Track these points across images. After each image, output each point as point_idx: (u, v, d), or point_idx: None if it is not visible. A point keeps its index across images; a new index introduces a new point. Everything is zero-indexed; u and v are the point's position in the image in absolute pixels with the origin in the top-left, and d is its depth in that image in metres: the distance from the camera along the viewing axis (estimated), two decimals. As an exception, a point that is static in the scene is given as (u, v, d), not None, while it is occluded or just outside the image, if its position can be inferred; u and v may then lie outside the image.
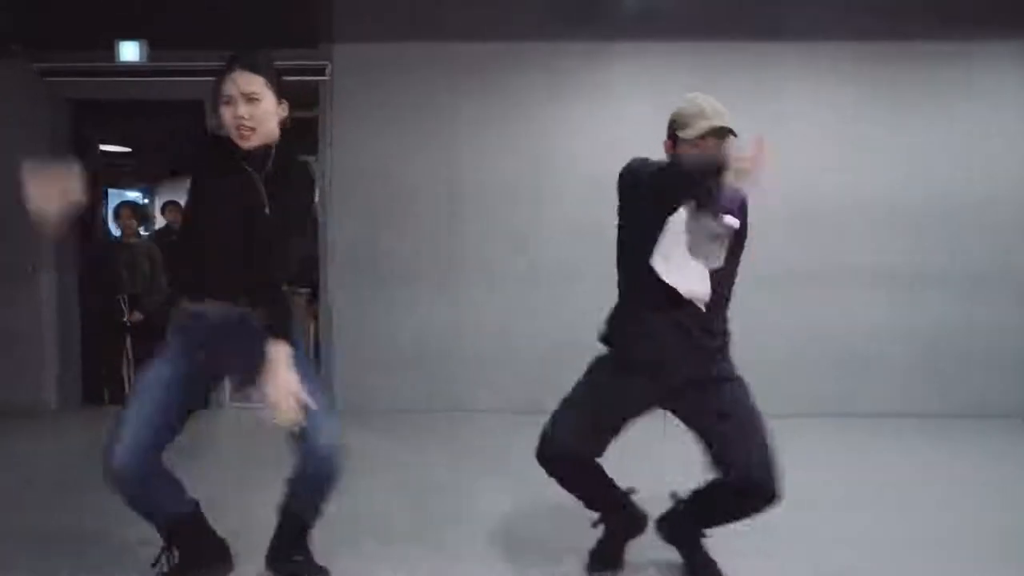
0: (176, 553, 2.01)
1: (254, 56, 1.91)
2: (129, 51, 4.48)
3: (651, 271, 1.98)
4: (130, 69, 4.51)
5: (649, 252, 2.00)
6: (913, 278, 4.52)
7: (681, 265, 1.98)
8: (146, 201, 8.21)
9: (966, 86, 4.53)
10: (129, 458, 1.80)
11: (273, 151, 1.92)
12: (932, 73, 4.53)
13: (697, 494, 2.09)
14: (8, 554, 2.35)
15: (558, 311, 4.49)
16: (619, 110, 4.55)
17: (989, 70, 4.54)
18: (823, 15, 4.38)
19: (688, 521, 2.13)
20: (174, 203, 6.01)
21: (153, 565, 2.02)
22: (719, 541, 2.15)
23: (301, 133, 4.85)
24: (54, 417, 4.50)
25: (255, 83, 1.86)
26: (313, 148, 4.67)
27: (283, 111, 1.94)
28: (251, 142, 1.87)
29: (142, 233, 5.29)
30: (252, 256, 1.87)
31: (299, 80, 4.53)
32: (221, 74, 1.90)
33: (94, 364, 4.77)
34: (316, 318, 5.87)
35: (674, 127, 2.06)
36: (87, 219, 4.76)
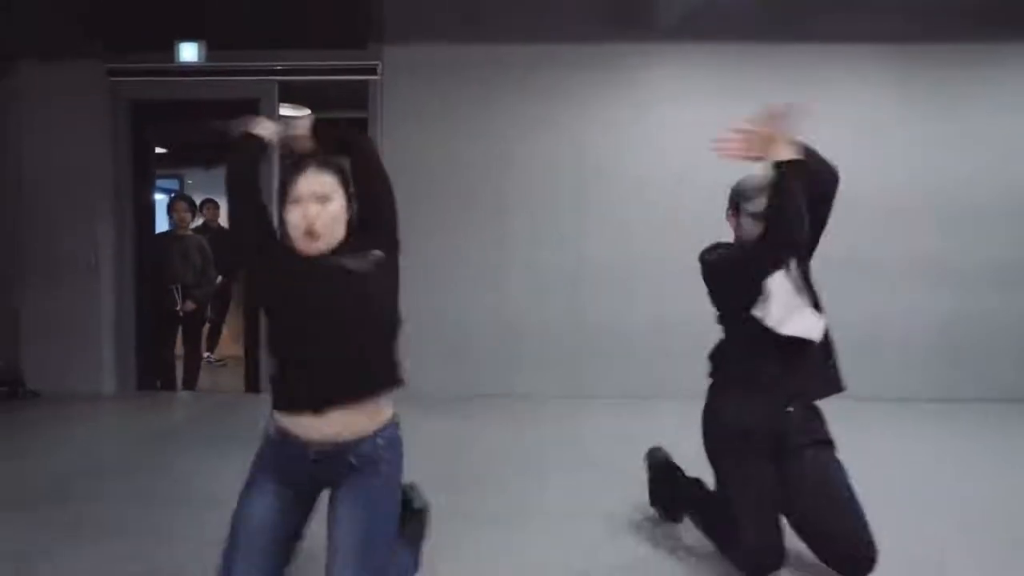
0: None
1: (326, 156, 1.78)
2: (188, 52, 4.68)
3: (764, 329, 2.03)
4: (189, 69, 4.70)
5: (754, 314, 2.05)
6: (940, 267, 4.61)
7: (794, 313, 2.05)
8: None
9: (994, 85, 4.61)
10: None
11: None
12: (960, 73, 4.61)
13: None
14: (71, 529, 2.49)
15: (600, 305, 4.59)
16: (659, 110, 4.67)
17: (1014, 70, 4.62)
18: (857, 19, 4.50)
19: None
20: (212, 201, 6.22)
21: None
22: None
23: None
24: (111, 402, 4.68)
25: (327, 184, 1.70)
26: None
27: (352, 209, 1.77)
28: (317, 247, 1.67)
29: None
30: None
31: (351, 79, 4.73)
32: (290, 172, 1.74)
33: (148, 352, 4.95)
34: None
35: (737, 199, 2.15)
36: (142, 213, 5.00)
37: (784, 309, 2.05)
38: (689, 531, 2.32)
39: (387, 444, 1.72)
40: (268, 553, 1.63)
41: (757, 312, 2.04)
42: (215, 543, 1.68)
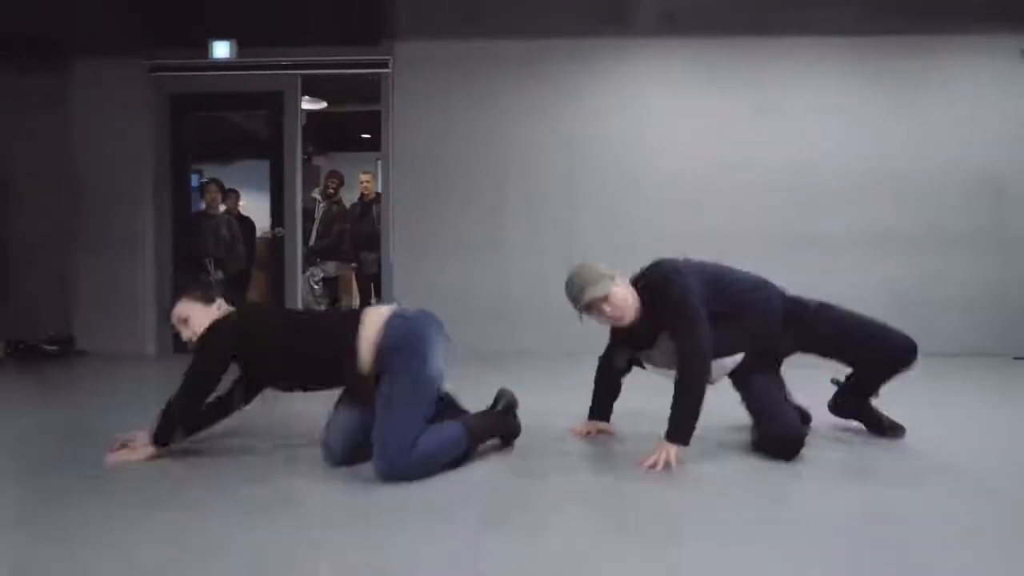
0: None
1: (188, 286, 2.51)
2: (221, 49, 5.25)
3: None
4: (221, 65, 5.27)
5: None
6: (896, 238, 5.12)
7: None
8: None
9: (940, 73, 5.14)
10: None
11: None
12: (911, 63, 5.13)
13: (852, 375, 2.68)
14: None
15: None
16: (642, 99, 5.19)
17: (966, 60, 5.14)
18: (816, 14, 4.99)
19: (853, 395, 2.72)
20: (233, 191, 6.75)
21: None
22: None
23: (367, 122, 5.58)
24: (148, 363, 5.24)
25: (183, 312, 2.40)
26: (377, 134, 5.38)
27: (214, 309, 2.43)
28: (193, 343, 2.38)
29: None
30: None
31: (364, 73, 5.28)
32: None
33: (184, 319, 5.51)
34: (362, 285, 6.67)
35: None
36: (179, 194, 5.56)
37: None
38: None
39: (392, 349, 2.22)
40: (347, 432, 2.30)
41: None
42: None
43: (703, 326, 2.32)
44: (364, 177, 6.87)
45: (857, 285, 5.09)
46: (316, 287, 6.74)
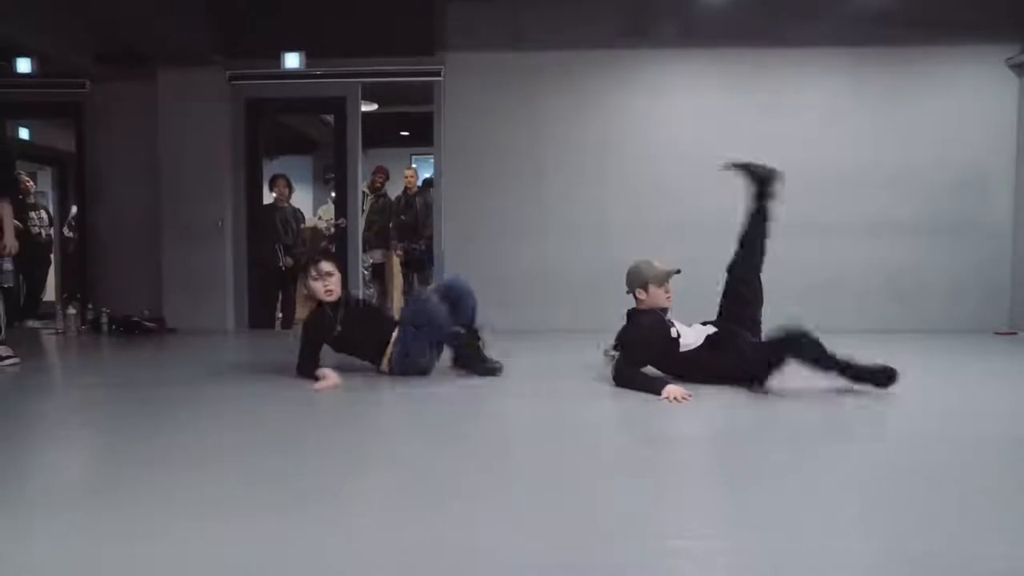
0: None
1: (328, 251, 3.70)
2: (291, 60, 5.92)
3: None
4: (292, 74, 5.95)
5: None
6: (889, 225, 5.78)
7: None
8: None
9: (930, 80, 5.81)
10: None
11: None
12: (903, 70, 5.78)
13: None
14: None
15: (622, 256, 5.78)
16: (665, 102, 5.86)
17: (955, 69, 5.80)
18: (820, 26, 5.68)
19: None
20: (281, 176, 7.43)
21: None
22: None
23: (421, 123, 6.28)
24: (231, 336, 5.95)
25: (331, 266, 3.48)
26: (415, 132, 6.04)
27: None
28: (332, 298, 3.49)
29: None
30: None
31: (419, 80, 5.95)
32: (307, 264, 3.52)
33: (257, 298, 6.22)
34: (405, 272, 7.35)
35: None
36: (252, 188, 6.25)
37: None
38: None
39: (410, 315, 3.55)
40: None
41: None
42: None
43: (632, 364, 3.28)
44: (408, 172, 7.55)
45: (854, 266, 5.78)
46: (366, 272, 7.43)
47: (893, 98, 5.77)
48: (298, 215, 6.48)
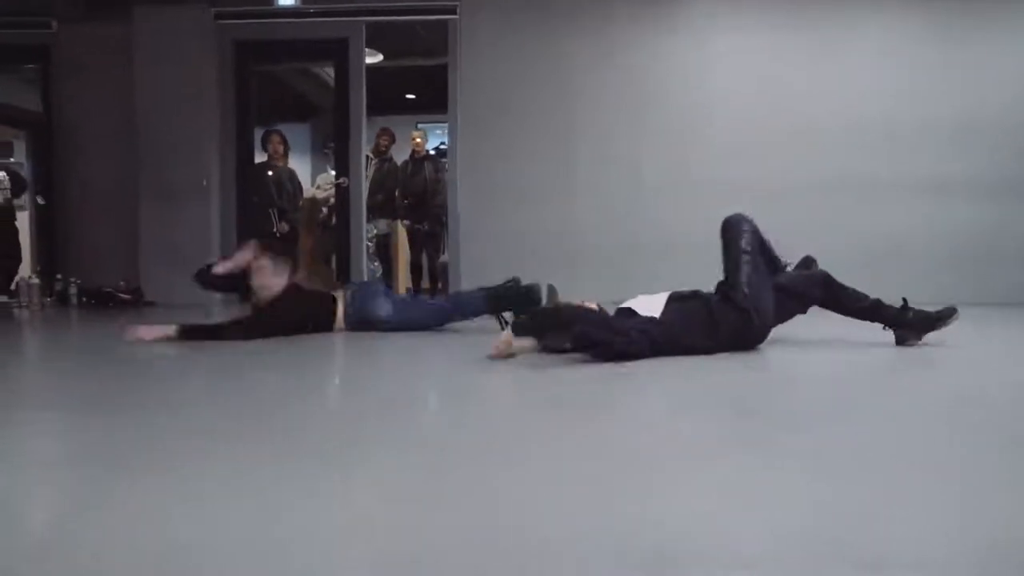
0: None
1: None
2: (286, -4, 5.21)
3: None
4: (286, 11, 5.22)
5: None
6: (954, 185, 5.03)
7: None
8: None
9: (1008, 11, 5.04)
10: None
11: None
12: (980, 3, 5.02)
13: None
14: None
15: (659, 218, 5.07)
16: (709, 45, 5.15)
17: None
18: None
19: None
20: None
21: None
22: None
23: (429, 83, 5.52)
24: (217, 309, 5.25)
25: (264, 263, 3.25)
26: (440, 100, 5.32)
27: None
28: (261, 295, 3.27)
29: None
30: None
31: (431, 20, 5.23)
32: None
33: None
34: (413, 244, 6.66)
35: None
36: (242, 144, 5.54)
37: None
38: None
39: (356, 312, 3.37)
40: None
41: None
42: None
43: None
44: (416, 135, 6.84)
45: (915, 231, 5.06)
46: (369, 245, 6.73)
47: (959, 36, 5.02)
48: (294, 175, 5.77)
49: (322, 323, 3.35)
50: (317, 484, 1.18)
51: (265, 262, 3.25)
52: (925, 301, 4.80)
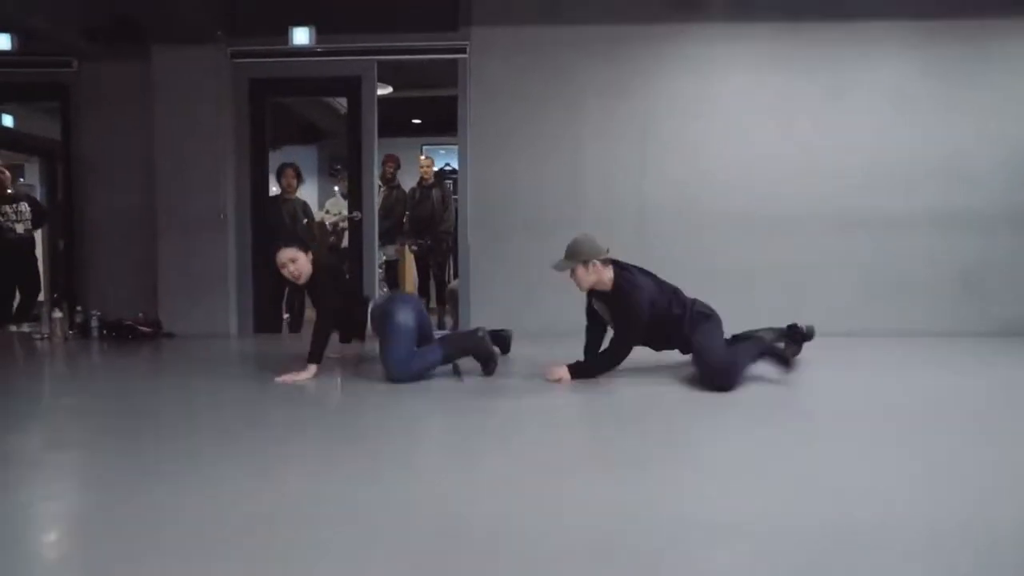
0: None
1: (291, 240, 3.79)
2: (300, 35, 5.34)
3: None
4: (301, 51, 5.37)
5: None
6: (963, 218, 5.19)
7: None
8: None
9: (1005, 57, 5.19)
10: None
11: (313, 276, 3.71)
12: (977, 45, 5.17)
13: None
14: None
15: (666, 250, 5.22)
16: (715, 84, 5.29)
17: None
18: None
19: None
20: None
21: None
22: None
23: (434, 109, 5.64)
24: (234, 341, 5.39)
25: (291, 254, 3.66)
26: (445, 123, 5.47)
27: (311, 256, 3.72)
28: (302, 281, 3.72)
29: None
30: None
31: (442, 59, 5.38)
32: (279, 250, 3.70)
33: (263, 298, 5.66)
34: (421, 270, 6.81)
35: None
36: (258, 178, 5.68)
37: None
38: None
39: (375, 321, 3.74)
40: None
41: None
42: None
43: (640, 331, 3.52)
44: (424, 162, 6.99)
45: (924, 263, 5.22)
46: (379, 270, 6.88)
47: (970, 77, 5.19)
48: (307, 207, 5.92)
49: (356, 322, 3.77)
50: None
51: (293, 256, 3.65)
52: (935, 331, 5.02)
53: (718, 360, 3.29)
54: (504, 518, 1.72)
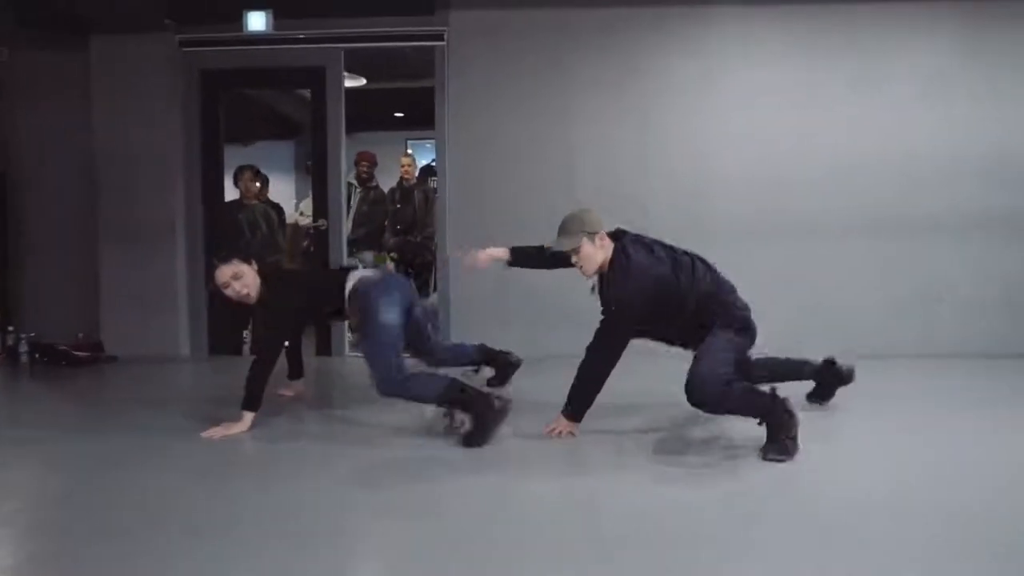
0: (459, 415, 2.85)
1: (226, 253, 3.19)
2: (256, 21, 4.73)
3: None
4: (257, 38, 4.76)
5: None
6: (997, 223, 4.59)
7: None
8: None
9: None
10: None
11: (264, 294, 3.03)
12: (1020, 26, 4.56)
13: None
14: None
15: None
16: (725, 72, 4.69)
17: None
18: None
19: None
20: (263, 177, 6.26)
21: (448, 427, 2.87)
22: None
23: (419, 101, 5.02)
24: (187, 365, 4.82)
25: (233, 269, 3.01)
26: (431, 116, 4.87)
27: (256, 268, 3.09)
28: (251, 300, 3.05)
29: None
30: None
31: (416, 46, 4.78)
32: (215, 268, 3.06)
33: (219, 317, 5.07)
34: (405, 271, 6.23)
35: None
36: (211, 181, 5.08)
37: None
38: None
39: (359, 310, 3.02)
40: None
41: None
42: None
43: (629, 326, 2.75)
44: (405, 160, 6.40)
45: (961, 274, 4.63)
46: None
47: (1016, 62, 4.57)
48: (269, 214, 5.32)
49: (333, 303, 3.12)
50: None
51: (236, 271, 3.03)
52: (973, 351, 4.44)
53: (709, 371, 2.58)
54: None
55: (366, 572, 1.85)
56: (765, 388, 2.61)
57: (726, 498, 2.22)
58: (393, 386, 2.84)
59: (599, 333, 2.77)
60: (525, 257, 3.12)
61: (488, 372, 3.59)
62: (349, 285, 3.07)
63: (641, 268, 2.71)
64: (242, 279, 2.99)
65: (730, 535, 1.91)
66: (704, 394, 2.57)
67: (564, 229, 2.81)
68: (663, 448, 2.76)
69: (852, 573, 1.66)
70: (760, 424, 2.55)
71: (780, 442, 2.49)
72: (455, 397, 2.81)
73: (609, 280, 2.76)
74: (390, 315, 2.94)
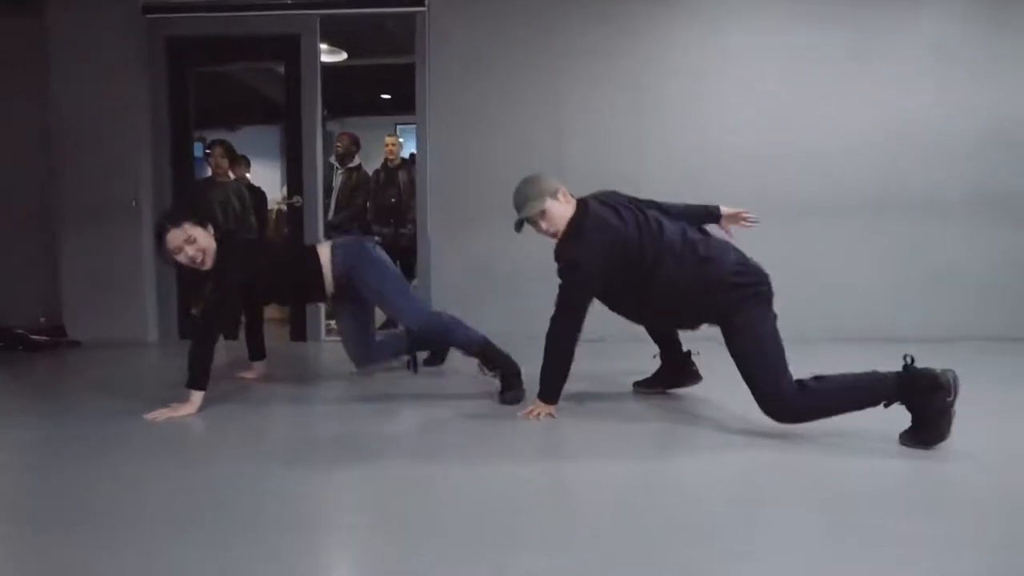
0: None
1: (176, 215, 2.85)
2: (225, -15, 4.48)
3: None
4: (227, 4, 4.50)
5: None
6: (1009, 199, 4.35)
7: None
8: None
9: None
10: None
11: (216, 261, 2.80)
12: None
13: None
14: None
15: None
16: (720, 39, 4.43)
17: None
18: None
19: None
20: (244, 158, 6.02)
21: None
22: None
23: (407, 81, 4.79)
24: (154, 350, 4.55)
25: (187, 232, 2.75)
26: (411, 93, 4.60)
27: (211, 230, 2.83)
28: (207, 266, 2.80)
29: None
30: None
31: (395, 13, 4.51)
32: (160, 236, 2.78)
33: (189, 300, 4.82)
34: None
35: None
36: (180, 157, 4.82)
37: None
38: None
39: (349, 270, 2.97)
40: (356, 338, 3.27)
41: None
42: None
43: (579, 291, 2.49)
44: (389, 140, 6.12)
45: (972, 255, 4.39)
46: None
47: (1016, 26, 4.32)
48: (242, 192, 5.05)
49: (307, 284, 3.00)
50: None
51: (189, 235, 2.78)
52: (985, 334, 4.21)
53: (773, 386, 2.24)
54: None
55: (345, 562, 1.61)
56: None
57: (723, 482, 1.98)
58: (439, 322, 3.00)
59: (556, 303, 2.52)
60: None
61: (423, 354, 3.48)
62: (325, 256, 2.97)
63: (595, 226, 2.46)
64: (196, 243, 2.75)
65: (727, 521, 1.68)
66: (787, 414, 2.24)
67: (524, 196, 2.57)
68: (654, 432, 2.52)
69: (854, 568, 1.43)
70: (887, 407, 2.15)
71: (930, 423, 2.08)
72: (492, 354, 2.94)
73: (561, 239, 2.53)
74: (392, 268, 3.09)
